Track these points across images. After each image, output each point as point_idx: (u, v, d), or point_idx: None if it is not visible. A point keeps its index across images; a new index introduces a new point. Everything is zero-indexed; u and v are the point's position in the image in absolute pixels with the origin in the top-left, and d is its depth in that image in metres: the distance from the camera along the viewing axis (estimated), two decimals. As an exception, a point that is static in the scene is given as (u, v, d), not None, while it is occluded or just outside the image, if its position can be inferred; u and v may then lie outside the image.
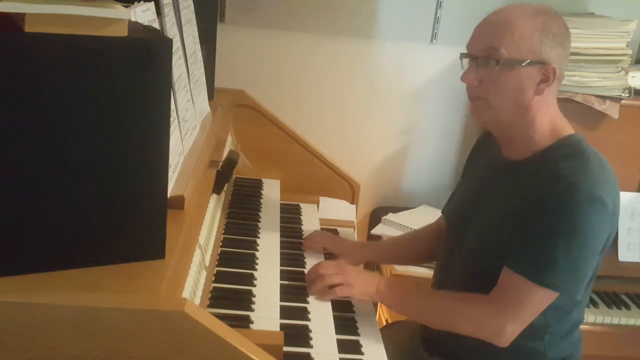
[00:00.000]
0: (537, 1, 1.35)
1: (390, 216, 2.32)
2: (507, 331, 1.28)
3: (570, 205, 1.22)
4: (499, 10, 1.32)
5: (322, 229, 1.86)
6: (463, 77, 1.34)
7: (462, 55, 1.37)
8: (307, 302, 1.41)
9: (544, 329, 1.36)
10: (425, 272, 1.99)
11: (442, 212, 1.68)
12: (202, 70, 1.78)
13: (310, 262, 1.62)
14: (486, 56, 1.29)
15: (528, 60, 1.27)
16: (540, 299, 1.27)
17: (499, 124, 1.36)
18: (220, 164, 1.61)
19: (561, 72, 1.32)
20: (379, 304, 2.10)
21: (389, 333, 1.56)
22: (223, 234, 1.59)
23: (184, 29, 1.54)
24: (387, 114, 2.49)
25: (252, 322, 1.25)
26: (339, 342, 1.31)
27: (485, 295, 1.31)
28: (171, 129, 1.05)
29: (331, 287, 1.42)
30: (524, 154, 1.36)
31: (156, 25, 1.26)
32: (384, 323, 2.13)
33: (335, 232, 1.91)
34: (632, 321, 2.13)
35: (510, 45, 1.27)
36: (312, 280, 1.45)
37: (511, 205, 1.32)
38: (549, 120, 1.34)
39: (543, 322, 1.33)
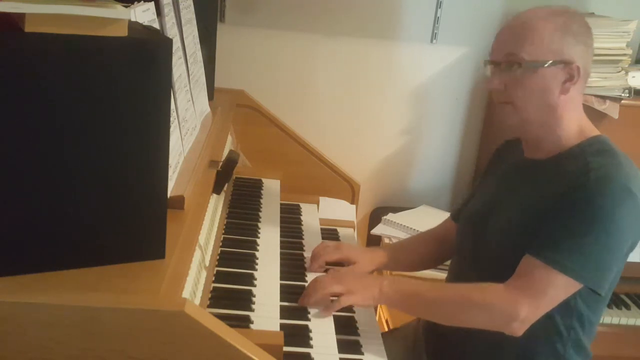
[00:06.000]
0: (545, 2, 1.35)
1: (390, 216, 2.31)
2: (522, 316, 1.23)
3: (603, 196, 1.21)
4: (517, 15, 1.33)
5: (322, 229, 1.86)
6: (488, 84, 1.36)
7: (486, 63, 1.37)
8: (307, 302, 1.41)
9: (561, 337, 1.34)
10: (426, 273, 1.99)
11: (451, 218, 1.64)
12: (202, 70, 1.78)
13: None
14: (508, 62, 1.30)
15: (550, 61, 1.27)
16: (561, 286, 1.23)
17: (527, 126, 1.35)
18: (220, 164, 1.61)
19: (586, 69, 1.31)
20: (378, 306, 2.10)
21: (390, 338, 1.54)
22: (223, 234, 1.59)
23: (184, 29, 1.54)
24: (387, 114, 2.49)
25: (252, 322, 1.25)
26: (339, 342, 1.30)
27: (495, 283, 1.27)
28: (171, 129, 1.06)
29: (332, 297, 1.36)
30: (551, 153, 1.36)
31: (156, 25, 1.26)
32: (384, 324, 2.12)
33: (335, 232, 1.91)
34: (632, 321, 2.14)
35: (531, 48, 1.27)
36: (310, 295, 1.38)
37: (537, 199, 1.31)
38: (576, 120, 1.34)
39: (561, 328, 1.32)
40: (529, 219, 1.31)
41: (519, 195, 1.37)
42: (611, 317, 2.13)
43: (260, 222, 1.71)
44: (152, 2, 1.27)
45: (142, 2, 1.21)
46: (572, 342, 1.35)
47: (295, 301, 1.40)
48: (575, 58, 1.28)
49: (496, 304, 1.26)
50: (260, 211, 1.78)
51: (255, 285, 1.39)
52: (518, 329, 1.26)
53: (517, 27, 1.31)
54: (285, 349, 1.15)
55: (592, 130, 1.36)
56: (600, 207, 1.21)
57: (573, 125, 1.34)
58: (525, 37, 1.28)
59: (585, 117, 1.38)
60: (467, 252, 1.49)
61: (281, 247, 1.61)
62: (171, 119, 1.10)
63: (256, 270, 1.45)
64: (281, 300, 1.37)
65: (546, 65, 1.27)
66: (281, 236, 1.67)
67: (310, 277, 1.53)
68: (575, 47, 1.28)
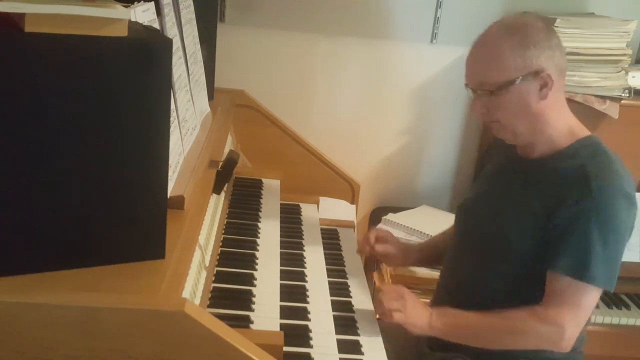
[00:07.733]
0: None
1: (390, 216, 2.31)
2: (567, 335, 1.29)
3: (605, 202, 1.27)
4: (478, 39, 1.36)
5: (322, 229, 1.86)
6: (472, 110, 1.41)
7: (466, 85, 1.41)
8: (307, 302, 1.42)
9: None
10: (425, 272, 1.99)
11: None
12: (202, 70, 1.78)
13: (310, 261, 1.62)
14: (480, 90, 1.35)
15: (520, 77, 1.30)
16: (591, 296, 1.29)
17: (519, 136, 1.39)
18: (220, 164, 1.61)
19: (559, 68, 1.32)
20: (374, 291, 2.11)
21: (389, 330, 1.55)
22: (223, 234, 1.59)
23: (184, 29, 1.54)
24: (387, 114, 2.49)
25: (252, 322, 1.25)
26: (339, 342, 1.31)
27: (534, 306, 1.31)
28: (171, 129, 1.06)
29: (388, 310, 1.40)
30: (545, 153, 1.39)
31: (156, 25, 1.26)
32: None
33: (335, 232, 1.91)
34: (632, 321, 2.13)
35: (497, 73, 1.31)
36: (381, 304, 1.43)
37: (534, 201, 1.34)
38: (564, 118, 1.38)
39: None
40: (525, 218, 1.35)
41: (515, 193, 1.40)
42: (611, 317, 2.12)
43: (260, 222, 1.71)
44: (152, 2, 1.27)
45: (142, 2, 1.21)
46: None
47: (295, 301, 1.40)
48: (543, 65, 1.30)
49: (542, 329, 1.30)
50: (260, 211, 1.78)
51: (255, 285, 1.39)
52: (566, 347, 1.31)
53: (479, 55, 1.35)
54: (285, 349, 1.15)
55: (582, 130, 1.39)
56: (609, 215, 1.27)
57: (561, 124, 1.37)
58: (489, 64, 1.32)
59: (572, 115, 1.41)
60: (461, 243, 1.52)
61: (281, 247, 1.61)
62: (171, 119, 1.10)
63: (256, 270, 1.46)
64: (281, 300, 1.37)
65: (517, 82, 1.30)
66: (281, 236, 1.67)
67: (309, 276, 1.54)
68: (539, 56, 1.30)
